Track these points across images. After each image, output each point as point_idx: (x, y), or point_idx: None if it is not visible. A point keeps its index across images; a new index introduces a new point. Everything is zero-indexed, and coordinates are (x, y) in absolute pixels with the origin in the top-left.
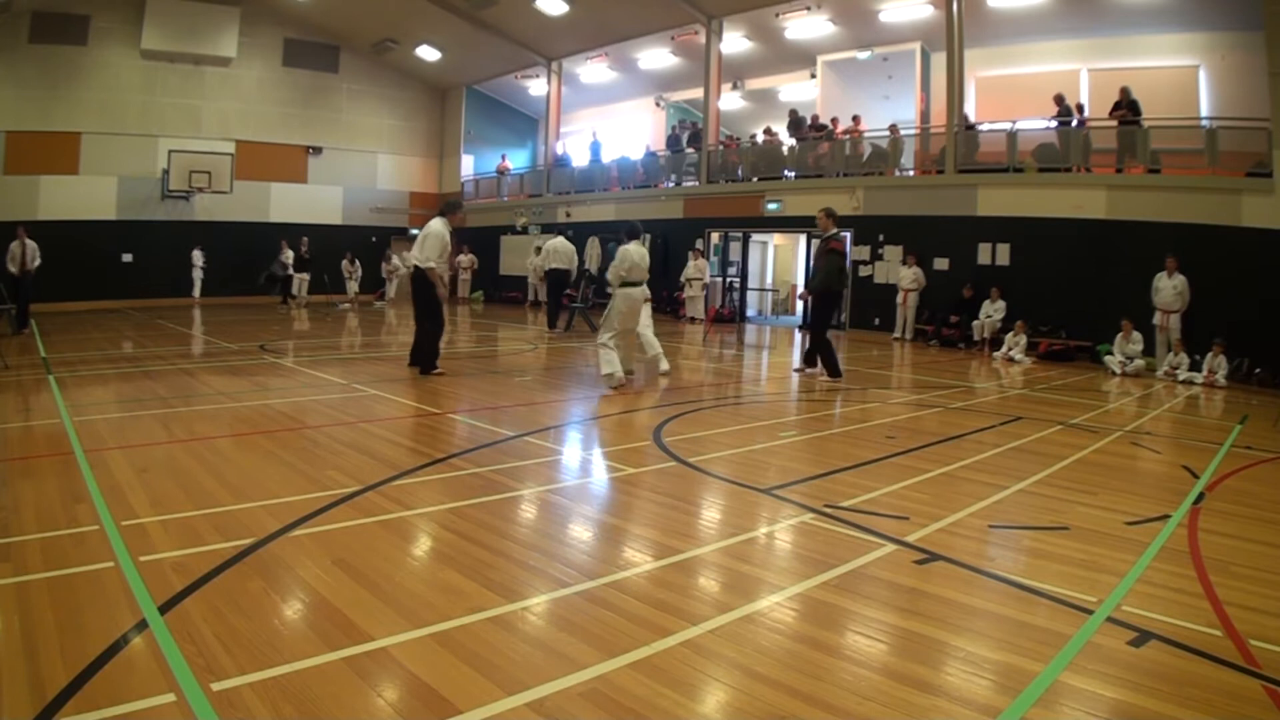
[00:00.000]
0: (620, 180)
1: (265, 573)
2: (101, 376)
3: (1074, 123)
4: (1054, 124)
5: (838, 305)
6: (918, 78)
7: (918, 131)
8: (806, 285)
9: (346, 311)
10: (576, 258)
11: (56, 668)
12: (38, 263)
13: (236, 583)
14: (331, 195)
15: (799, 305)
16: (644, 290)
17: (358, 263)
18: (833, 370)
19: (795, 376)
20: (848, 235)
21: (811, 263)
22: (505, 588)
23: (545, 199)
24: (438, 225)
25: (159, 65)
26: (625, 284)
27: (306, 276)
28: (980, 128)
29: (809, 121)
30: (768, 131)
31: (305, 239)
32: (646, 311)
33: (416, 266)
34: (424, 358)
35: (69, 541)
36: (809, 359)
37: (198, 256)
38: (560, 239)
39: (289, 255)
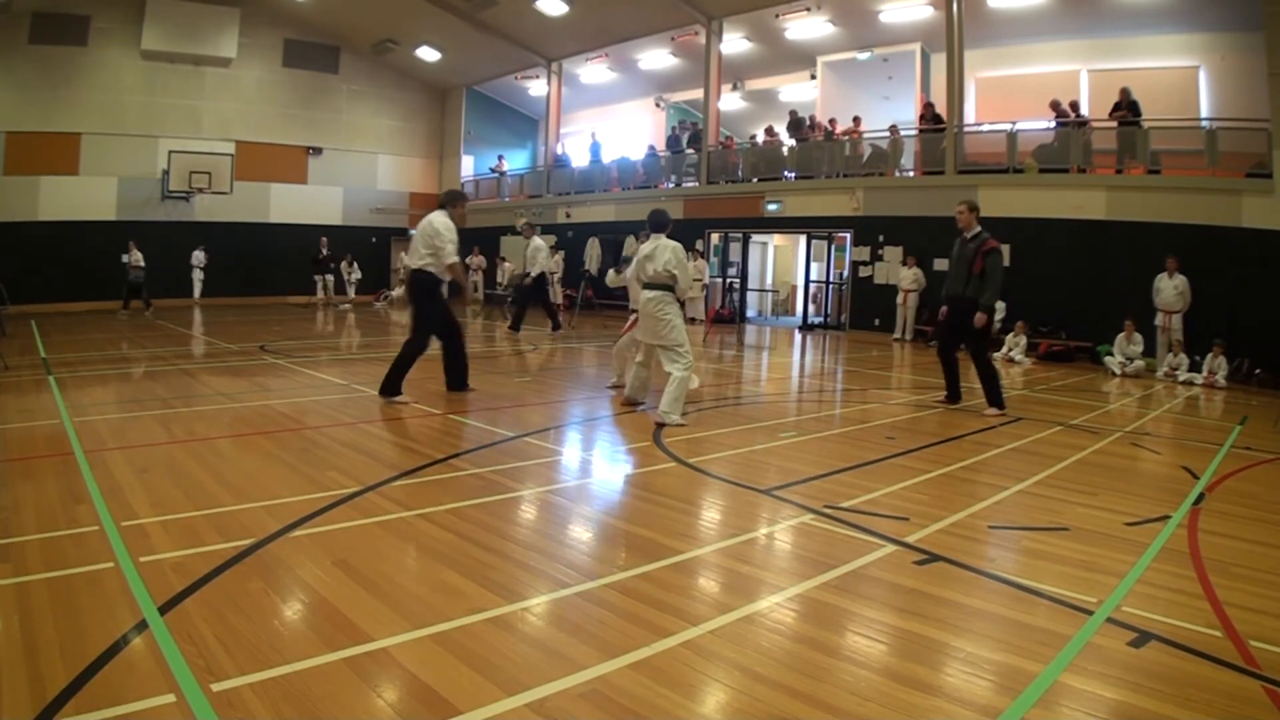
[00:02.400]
0: (620, 181)
1: (265, 573)
2: (101, 377)
3: (1060, 124)
4: (1053, 125)
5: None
6: (918, 78)
7: (919, 131)
8: (958, 299)
9: (346, 312)
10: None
11: (56, 668)
12: None
13: (236, 583)
14: (331, 196)
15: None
16: (658, 295)
17: (355, 265)
18: (996, 399)
19: (796, 379)
20: (848, 236)
21: (956, 266)
22: (505, 588)
23: (545, 199)
24: (443, 217)
25: (159, 66)
26: (647, 285)
27: (331, 278)
28: (980, 128)
29: (809, 122)
30: (769, 131)
31: (325, 239)
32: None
33: (416, 270)
34: (456, 373)
35: (69, 542)
36: (956, 386)
37: (198, 256)
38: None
39: (137, 256)
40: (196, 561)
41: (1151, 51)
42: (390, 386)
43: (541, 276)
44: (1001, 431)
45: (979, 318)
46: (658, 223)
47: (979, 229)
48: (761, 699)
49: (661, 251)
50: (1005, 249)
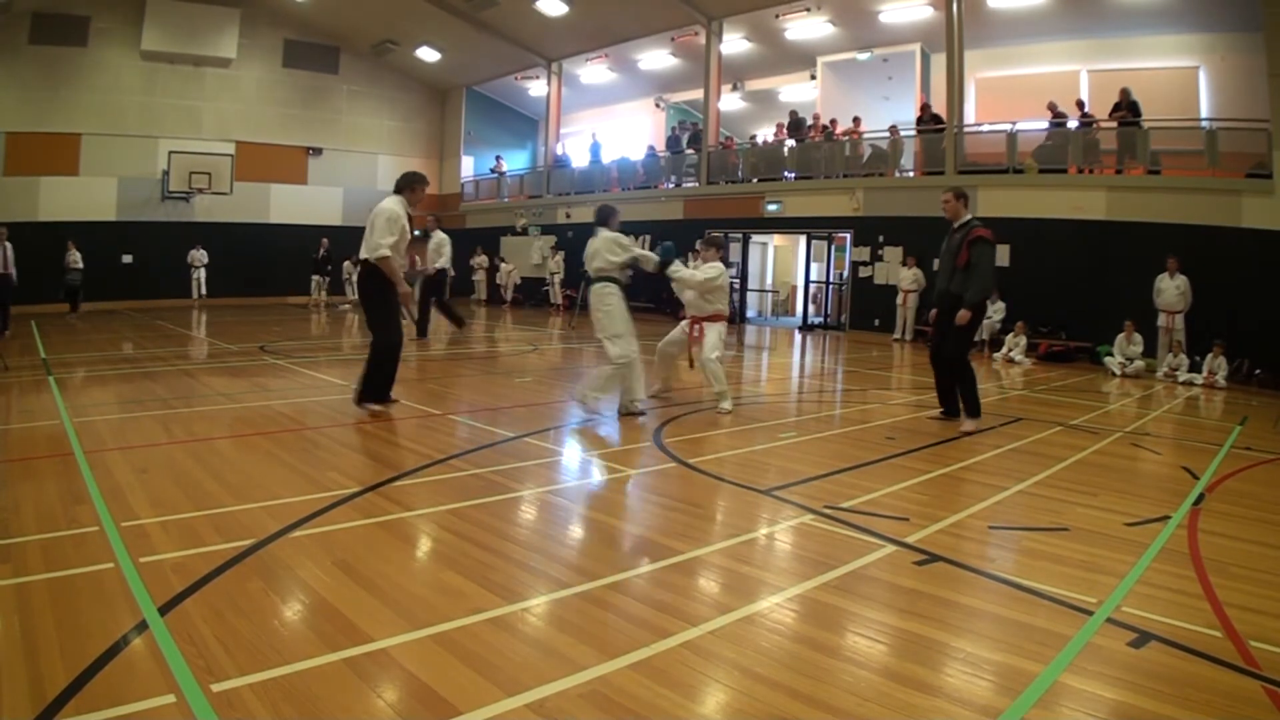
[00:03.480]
0: (620, 181)
1: (265, 574)
2: (101, 377)
3: (1070, 123)
4: (1047, 126)
5: (983, 318)
6: (918, 79)
7: (919, 133)
8: (944, 295)
9: (347, 312)
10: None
11: (56, 668)
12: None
13: (236, 584)
14: (331, 196)
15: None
16: (599, 287)
17: (358, 266)
18: (973, 408)
19: (796, 379)
20: (848, 236)
21: (943, 260)
22: (505, 589)
23: (545, 200)
24: (390, 203)
25: (159, 66)
26: (595, 279)
27: (326, 278)
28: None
29: (810, 122)
30: (780, 128)
31: (325, 240)
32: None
33: (364, 261)
34: (369, 383)
35: (69, 542)
36: (949, 399)
37: (196, 255)
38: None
39: (75, 258)
40: (196, 562)
41: (1151, 51)
42: (372, 392)
43: (442, 274)
44: (1001, 432)
45: (961, 314)
46: (599, 218)
47: (969, 217)
48: (761, 699)
49: (597, 252)
50: (1003, 249)
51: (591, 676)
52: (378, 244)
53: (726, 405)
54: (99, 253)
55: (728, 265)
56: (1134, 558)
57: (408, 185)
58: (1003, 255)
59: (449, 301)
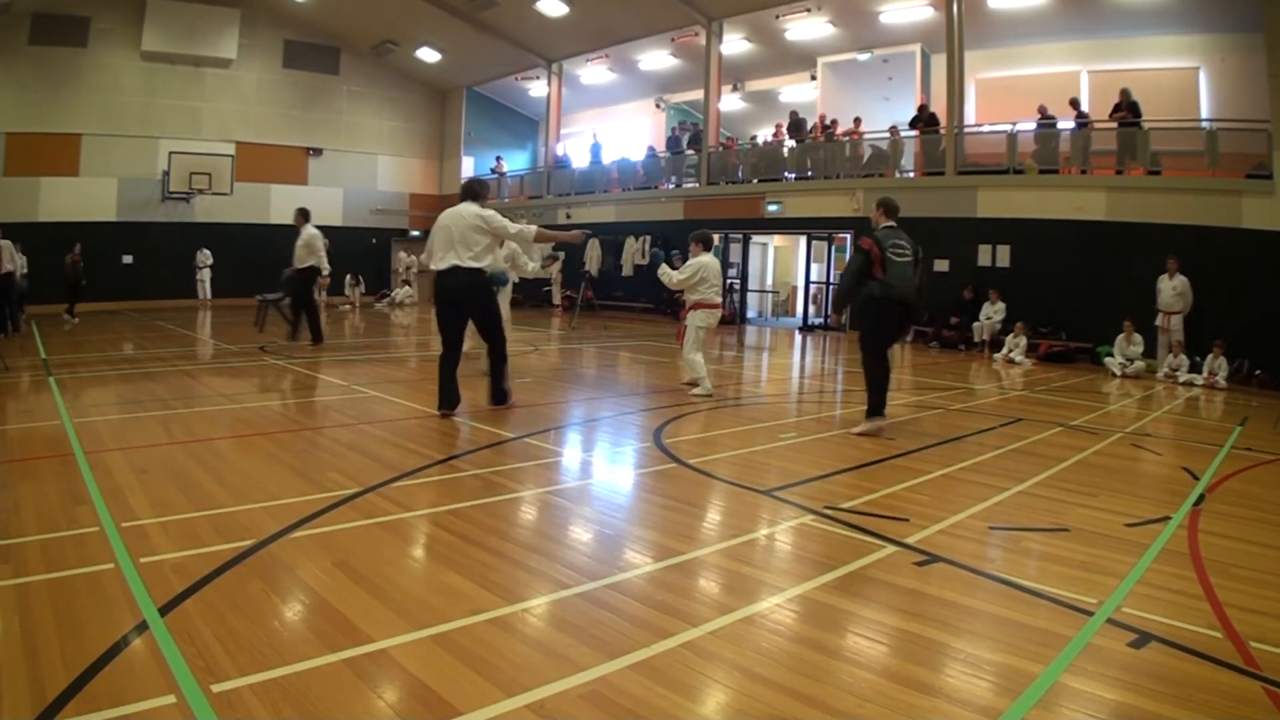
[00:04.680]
0: (620, 182)
1: (265, 574)
2: (101, 378)
3: (1063, 123)
4: (1035, 127)
5: (881, 327)
6: (918, 79)
7: (919, 134)
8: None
9: (347, 313)
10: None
11: (56, 669)
12: (15, 265)
13: (236, 584)
14: (332, 197)
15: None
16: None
17: (361, 279)
18: (873, 407)
19: (796, 380)
20: (848, 237)
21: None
22: (505, 589)
23: (545, 200)
24: (477, 208)
25: (159, 67)
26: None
27: (327, 279)
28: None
29: (814, 123)
30: (779, 129)
31: (326, 241)
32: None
33: (471, 269)
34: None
35: (69, 543)
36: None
37: (206, 257)
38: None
39: (20, 260)
40: (197, 562)
41: (1151, 52)
42: (499, 395)
43: (310, 273)
44: (1001, 432)
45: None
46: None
47: (885, 224)
48: (761, 700)
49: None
50: (1004, 249)
51: (591, 677)
52: (519, 230)
53: (698, 391)
54: (99, 254)
55: (728, 266)
56: (1134, 558)
57: (486, 192)
58: (1003, 256)
59: (309, 305)
